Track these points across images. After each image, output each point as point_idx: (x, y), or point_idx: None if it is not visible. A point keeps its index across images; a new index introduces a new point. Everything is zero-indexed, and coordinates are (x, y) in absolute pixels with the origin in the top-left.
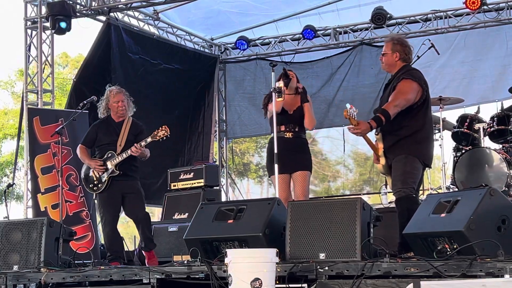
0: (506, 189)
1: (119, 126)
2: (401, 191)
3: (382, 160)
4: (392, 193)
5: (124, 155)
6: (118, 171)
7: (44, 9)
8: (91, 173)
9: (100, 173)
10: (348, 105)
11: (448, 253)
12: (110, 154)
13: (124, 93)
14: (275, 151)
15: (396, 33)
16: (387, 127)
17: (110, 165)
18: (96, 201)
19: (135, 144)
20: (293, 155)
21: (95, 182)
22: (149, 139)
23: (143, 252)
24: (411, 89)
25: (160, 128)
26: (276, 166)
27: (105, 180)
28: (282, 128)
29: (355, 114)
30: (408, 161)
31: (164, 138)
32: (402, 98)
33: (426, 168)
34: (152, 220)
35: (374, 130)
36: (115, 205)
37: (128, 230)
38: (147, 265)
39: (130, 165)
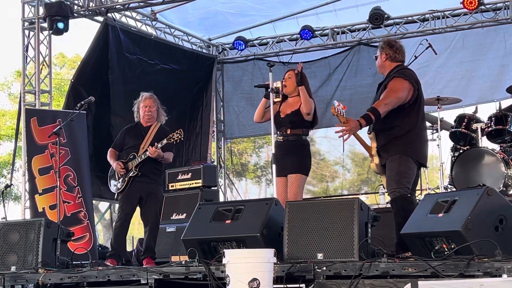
0: (504, 189)
1: (146, 130)
2: (396, 191)
3: (376, 159)
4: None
5: (143, 156)
6: (138, 172)
7: (41, 10)
8: (115, 174)
9: (121, 174)
10: (335, 102)
11: (445, 253)
12: (132, 156)
13: (155, 100)
14: (273, 151)
15: (393, 33)
16: (380, 126)
17: (130, 166)
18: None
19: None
20: (285, 158)
21: (116, 183)
22: (164, 141)
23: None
24: (403, 88)
25: (175, 131)
26: (274, 166)
27: (126, 180)
28: (278, 132)
29: (344, 111)
30: (402, 161)
31: (178, 141)
32: (393, 97)
33: (424, 168)
34: None
35: (366, 130)
36: (131, 203)
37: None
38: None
39: (152, 168)
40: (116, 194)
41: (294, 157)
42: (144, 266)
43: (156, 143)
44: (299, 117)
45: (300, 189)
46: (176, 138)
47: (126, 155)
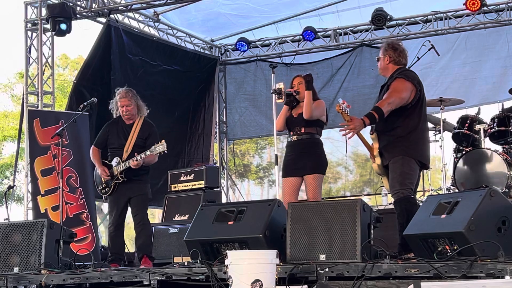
0: (507, 190)
1: (129, 129)
2: (399, 193)
3: (378, 160)
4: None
5: (127, 164)
6: (123, 178)
7: (44, 11)
8: (100, 177)
9: (106, 179)
10: (340, 100)
11: (448, 254)
12: (116, 161)
13: (131, 96)
14: (275, 152)
15: (396, 34)
16: (382, 127)
17: (115, 171)
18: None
19: (133, 157)
20: (300, 158)
21: (103, 186)
22: (148, 152)
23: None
24: (405, 88)
25: (159, 143)
26: (276, 167)
27: (112, 185)
28: (291, 133)
29: (348, 110)
30: (404, 162)
31: (162, 153)
32: (396, 96)
33: (426, 170)
34: (152, 221)
35: (369, 131)
36: (119, 208)
37: (128, 232)
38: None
39: (137, 170)
40: (103, 196)
41: (309, 157)
42: (145, 267)
43: (136, 154)
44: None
45: (318, 189)
46: (159, 151)
47: (111, 157)
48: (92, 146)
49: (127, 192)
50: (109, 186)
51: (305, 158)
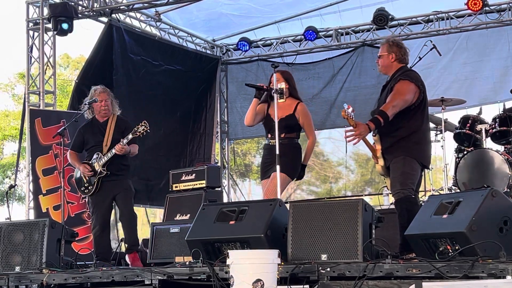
0: (508, 190)
1: (104, 126)
2: (400, 192)
3: (381, 162)
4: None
5: (109, 155)
6: (106, 172)
7: (46, 11)
8: (82, 177)
9: (89, 177)
10: (345, 105)
11: (450, 254)
12: (97, 156)
13: (109, 93)
14: (277, 152)
15: (397, 34)
16: (385, 129)
17: (97, 166)
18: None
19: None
20: (275, 161)
21: (86, 185)
22: (130, 136)
23: (126, 255)
24: (409, 90)
25: (140, 124)
26: (278, 167)
27: (95, 182)
28: (269, 135)
29: (353, 115)
30: (406, 162)
31: (145, 133)
32: (400, 99)
33: (428, 169)
34: (154, 221)
35: (372, 132)
36: (104, 207)
37: (121, 232)
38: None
39: (119, 164)
40: (87, 197)
41: (283, 158)
42: (146, 267)
43: (122, 139)
44: (294, 121)
45: (277, 186)
46: (142, 131)
47: (90, 156)
48: (69, 150)
49: (112, 189)
50: (92, 183)
51: (279, 160)
